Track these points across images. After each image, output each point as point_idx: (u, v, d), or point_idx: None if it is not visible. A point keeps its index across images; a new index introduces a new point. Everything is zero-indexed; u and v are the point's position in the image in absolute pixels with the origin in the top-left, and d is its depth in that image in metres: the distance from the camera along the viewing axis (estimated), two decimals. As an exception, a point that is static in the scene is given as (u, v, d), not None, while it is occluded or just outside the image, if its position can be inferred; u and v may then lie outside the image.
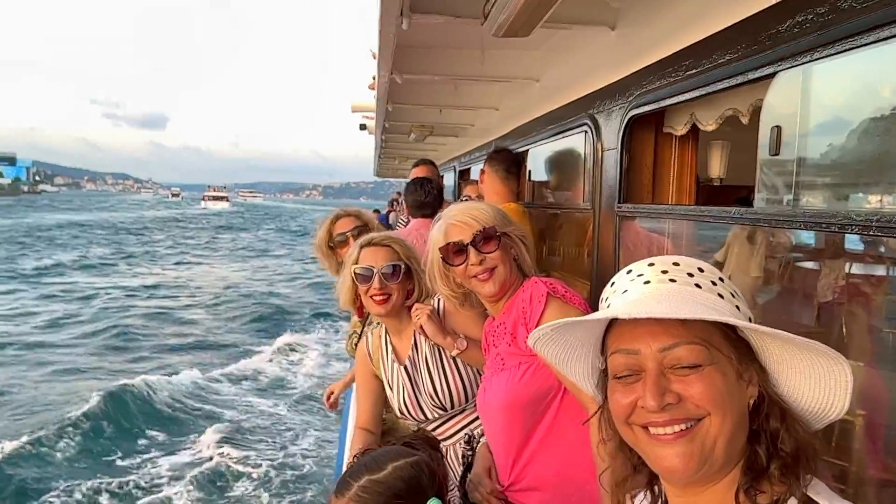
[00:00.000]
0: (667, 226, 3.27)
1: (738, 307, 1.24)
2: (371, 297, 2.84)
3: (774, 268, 3.49)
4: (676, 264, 1.27)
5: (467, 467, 2.67)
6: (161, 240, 58.83)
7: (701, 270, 1.26)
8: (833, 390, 1.18)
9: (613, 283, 1.32)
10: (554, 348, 1.39)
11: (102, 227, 71.58)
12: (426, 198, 5.03)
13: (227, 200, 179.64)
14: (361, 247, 2.91)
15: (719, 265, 2.60)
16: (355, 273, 2.87)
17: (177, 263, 39.66)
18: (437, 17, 3.23)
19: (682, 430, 1.18)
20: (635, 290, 1.26)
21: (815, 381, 1.19)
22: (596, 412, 1.40)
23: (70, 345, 19.02)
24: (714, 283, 1.25)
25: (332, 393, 4.81)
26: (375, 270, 2.83)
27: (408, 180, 6.14)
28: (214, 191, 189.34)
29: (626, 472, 1.36)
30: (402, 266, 2.87)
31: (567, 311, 2.26)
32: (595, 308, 1.39)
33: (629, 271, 1.31)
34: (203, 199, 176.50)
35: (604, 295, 1.34)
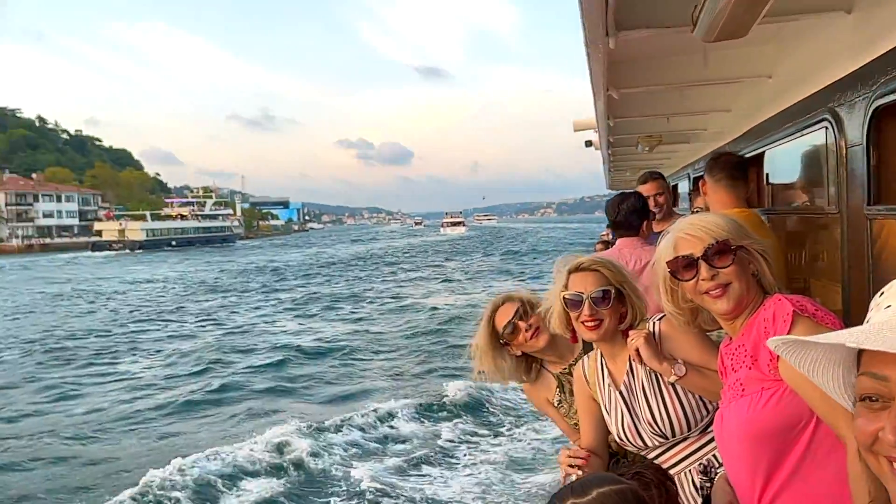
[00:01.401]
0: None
1: None
2: (582, 322, 2.81)
3: None
4: None
5: (705, 500, 2.52)
6: (408, 268, 62.34)
7: None
8: None
9: (882, 293, 1.19)
10: (799, 360, 1.26)
11: (360, 258, 78.38)
12: (616, 217, 4.61)
13: (464, 225, 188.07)
14: (570, 272, 2.87)
15: None
16: (565, 299, 2.84)
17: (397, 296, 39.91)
18: (644, 31, 3.15)
19: None
20: None
21: None
22: None
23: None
24: None
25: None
26: (585, 296, 2.78)
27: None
28: (451, 217, 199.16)
29: (883, 498, 1.19)
30: (613, 290, 2.80)
31: (818, 331, 1.97)
32: (845, 322, 1.26)
33: None
34: (442, 226, 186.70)
35: (871, 304, 1.21)
